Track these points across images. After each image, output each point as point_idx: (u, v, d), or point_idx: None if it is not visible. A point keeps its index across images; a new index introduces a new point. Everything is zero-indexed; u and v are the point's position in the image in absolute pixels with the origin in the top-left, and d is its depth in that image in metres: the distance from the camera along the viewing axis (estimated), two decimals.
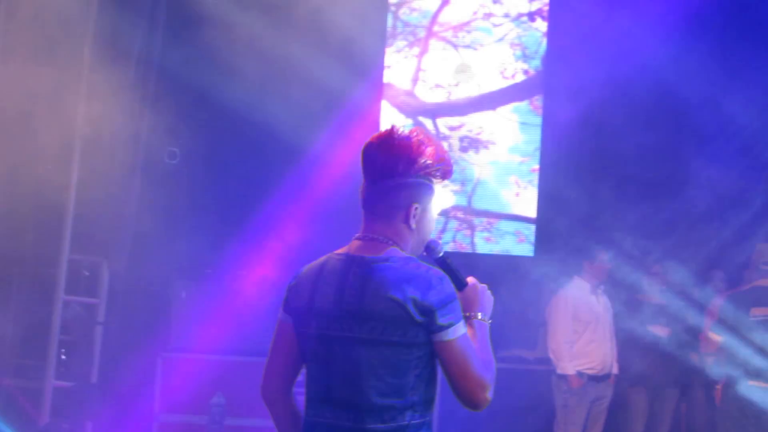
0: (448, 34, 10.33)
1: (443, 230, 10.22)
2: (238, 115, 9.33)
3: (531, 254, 10.13)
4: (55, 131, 7.84)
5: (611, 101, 9.53)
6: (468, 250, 10.24)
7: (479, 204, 10.25)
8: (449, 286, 3.22)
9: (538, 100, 10.30)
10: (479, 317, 3.37)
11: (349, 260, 3.31)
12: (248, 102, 9.08)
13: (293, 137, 9.32)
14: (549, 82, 10.24)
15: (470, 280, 3.46)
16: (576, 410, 8.29)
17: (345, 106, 9.69)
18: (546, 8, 10.35)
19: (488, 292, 3.46)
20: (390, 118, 10.24)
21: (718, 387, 7.53)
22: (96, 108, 8.05)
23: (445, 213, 10.23)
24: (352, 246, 3.35)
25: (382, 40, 10.30)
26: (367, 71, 10.02)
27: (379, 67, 10.29)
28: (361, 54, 9.65)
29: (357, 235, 3.36)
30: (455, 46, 10.31)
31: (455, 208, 10.22)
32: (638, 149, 9.68)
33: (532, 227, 10.20)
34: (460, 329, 3.19)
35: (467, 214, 10.27)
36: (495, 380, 3.22)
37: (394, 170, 3.28)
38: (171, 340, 8.44)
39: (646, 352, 8.65)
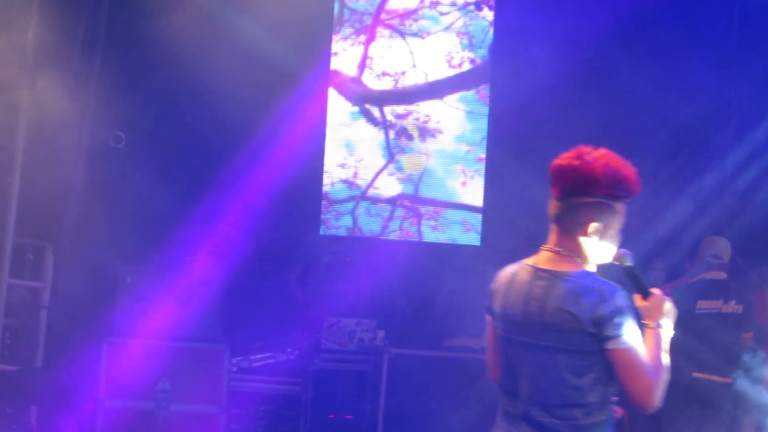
0: (395, 22, 10.35)
1: (390, 218, 10.25)
2: (184, 99, 9.32)
3: (477, 243, 10.18)
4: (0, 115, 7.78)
5: (557, 91, 9.59)
6: (415, 238, 10.28)
7: (426, 192, 10.29)
8: (621, 299, 3.53)
9: (484, 90, 10.34)
10: (653, 325, 3.68)
11: (535, 272, 3.71)
12: (195, 86, 9.06)
13: (240, 124, 9.33)
14: (496, 72, 10.28)
15: (654, 291, 3.75)
16: None
17: (292, 93, 9.68)
18: None
19: (670, 304, 3.74)
20: (337, 106, 10.26)
21: None
22: (40, 92, 7.98)
23: (391, 201, 10.27)
24: (540, 258, 3.76)
25: (329, 26, 10.30)
26: (314, 58, 10.02)
27: (326, 54, 10.29)
28: (309, 40, 9.66)
29: (544, 246, 3.79)
30: (402, 35, 10.33)
31: (402, 196, 10.26)
32: (585, 139, 9.72)
33: (479, 216, 10.24)
34: (630, 339, 3.51)
35: (414, 202, 10.30)
36: (661, 384, 3.53)
37: (579, 189, 3.67)
38: (116, 326, 8.37)
39: None
